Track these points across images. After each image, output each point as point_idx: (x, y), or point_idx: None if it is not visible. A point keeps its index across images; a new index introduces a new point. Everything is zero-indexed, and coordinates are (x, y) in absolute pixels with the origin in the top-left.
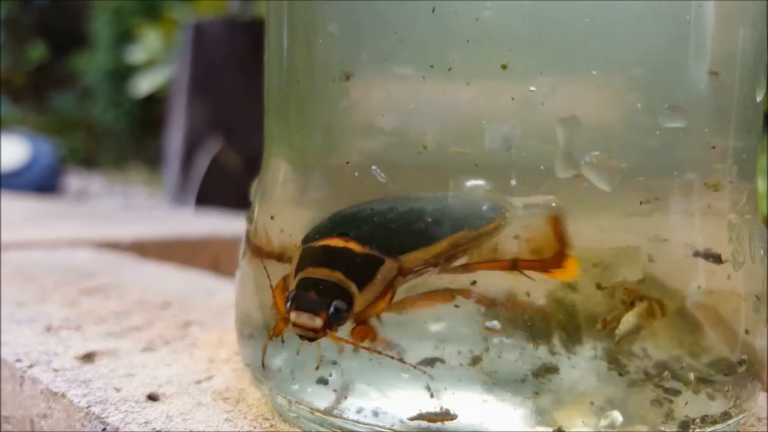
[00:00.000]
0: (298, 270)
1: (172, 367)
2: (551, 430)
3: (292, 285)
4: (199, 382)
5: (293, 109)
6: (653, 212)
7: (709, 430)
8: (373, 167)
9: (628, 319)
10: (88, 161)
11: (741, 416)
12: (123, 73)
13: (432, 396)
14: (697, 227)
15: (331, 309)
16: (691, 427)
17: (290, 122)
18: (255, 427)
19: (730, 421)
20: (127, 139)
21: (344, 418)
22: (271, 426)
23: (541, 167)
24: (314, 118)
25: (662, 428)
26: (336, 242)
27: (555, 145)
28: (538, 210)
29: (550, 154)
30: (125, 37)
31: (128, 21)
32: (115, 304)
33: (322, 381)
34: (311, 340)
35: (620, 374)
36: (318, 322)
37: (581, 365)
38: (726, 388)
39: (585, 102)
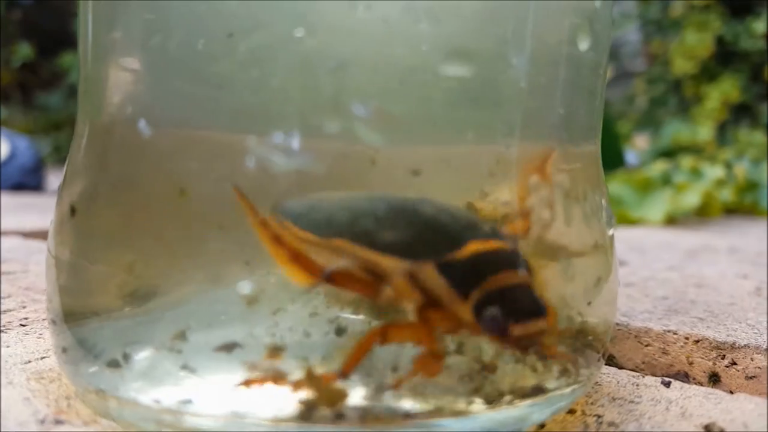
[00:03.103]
0: (468, 287)
1: (10, 348)
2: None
3: (465, 314)
4: (28, 362)
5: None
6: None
7: (526, 403)
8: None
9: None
10: None
11: (570, 389)
12: None
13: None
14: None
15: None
16: (500, 400)
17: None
18: (49, 406)
19: (562, 392)
20: None
21: (133, 401)
22: (68, 406)
23: None
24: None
25: (469, 401)
26: (477, 246)
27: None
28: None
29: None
30: None
31: None
32: None
33: (114, 364)
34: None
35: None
36: (542, 323)
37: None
38: (544, 360)
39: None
